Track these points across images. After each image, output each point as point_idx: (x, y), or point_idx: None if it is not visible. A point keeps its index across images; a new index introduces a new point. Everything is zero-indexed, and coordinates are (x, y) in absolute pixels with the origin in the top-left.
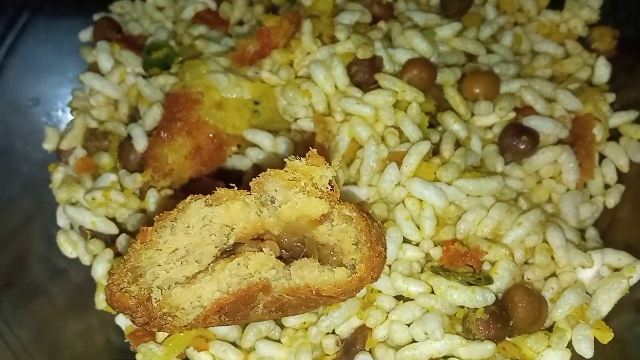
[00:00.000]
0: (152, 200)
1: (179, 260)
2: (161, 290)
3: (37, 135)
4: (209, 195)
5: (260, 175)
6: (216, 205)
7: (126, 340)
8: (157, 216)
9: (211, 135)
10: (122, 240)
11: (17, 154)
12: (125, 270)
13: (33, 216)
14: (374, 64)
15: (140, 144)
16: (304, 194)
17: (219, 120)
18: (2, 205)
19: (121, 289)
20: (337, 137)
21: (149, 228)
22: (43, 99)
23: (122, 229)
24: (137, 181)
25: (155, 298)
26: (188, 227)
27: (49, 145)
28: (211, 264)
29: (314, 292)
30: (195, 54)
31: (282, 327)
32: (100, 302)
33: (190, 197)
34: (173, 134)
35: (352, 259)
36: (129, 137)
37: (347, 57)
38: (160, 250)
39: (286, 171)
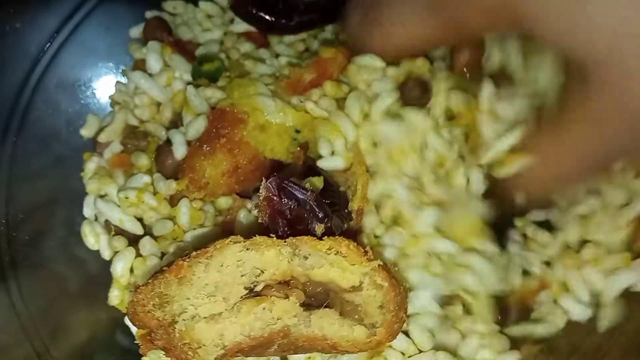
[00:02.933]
0: (184, 210)
1: (207, 297)
2: (185, 321)
3: (77, 117)
4: (248, 240)
5: (296, 238)
6: (252, 250)
7: (136, 342)
8: (194, 252)
9: (250, 157)
10: (145, 242)
11: (56, 133)
12: (152, 294)
13: (57, 198)
14: None
15: (180, 151)
16: (338, 268)
17: (260, 142)
18: (31, 176)
19: (146, 310)
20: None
21: (185, 264)
22: (92, 84)
23: (146, 231)
24: (172, 188)
25: (178, 329)
26: (222, 265)
27: (86, 132)
28: (237, 304)
29: (330, 344)
30: (242, 71)
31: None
32: (114, 298)
33: (230, 238)
34: (215, 149)
35: (375, 321)
36: (168, 142)
37: None
38: (191, 284)
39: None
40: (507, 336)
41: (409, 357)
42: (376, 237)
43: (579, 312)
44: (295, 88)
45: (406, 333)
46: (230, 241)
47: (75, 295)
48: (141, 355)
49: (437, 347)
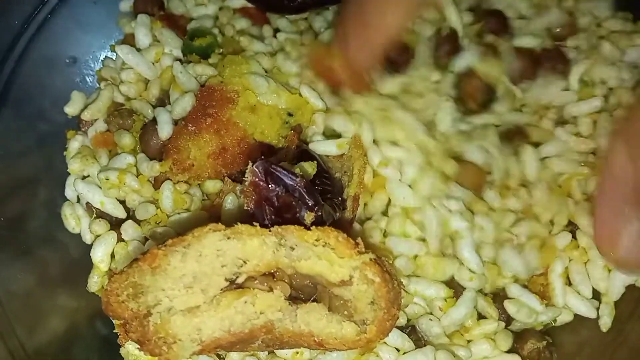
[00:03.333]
0: (166, 193)
1: (184, 288)
2: (160, 314)
3: (64, 95)
4: (229, 229)
5: (282, 227)
6: (234, 238)
7: (115, 331)
8: (170, 240)
9: (238, 139)
10: (127, 227)
11: (40, 110)
12: (126, 283)
13: (40, 178)
14: None
15: (165, 131)
16: (326, 260)
17: (249, 124)
18: (14, 156)
19: (120, 300)
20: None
21: (159, 252)
22: (81, 59)
23: (129, 215)
24: (155, 170)
25: (153, 322)
26: (200, 255)
27: (70, 110)
28: (216, 296)
29: (317, 341)
30: (236, 48)
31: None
32: (94, 284)
33: (209, 226)
34: (201, 129)
35: (365, 318)
36: (153, 121)
37: None
38: (167, 274)
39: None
40: (511, 332)
41: (404, 353)
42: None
43: (584, 309)
44: (319, 68)
45: (400, 328)
46: (210, 229)
47: (54, 281)
48: (120, 346)
49: (438, 347)
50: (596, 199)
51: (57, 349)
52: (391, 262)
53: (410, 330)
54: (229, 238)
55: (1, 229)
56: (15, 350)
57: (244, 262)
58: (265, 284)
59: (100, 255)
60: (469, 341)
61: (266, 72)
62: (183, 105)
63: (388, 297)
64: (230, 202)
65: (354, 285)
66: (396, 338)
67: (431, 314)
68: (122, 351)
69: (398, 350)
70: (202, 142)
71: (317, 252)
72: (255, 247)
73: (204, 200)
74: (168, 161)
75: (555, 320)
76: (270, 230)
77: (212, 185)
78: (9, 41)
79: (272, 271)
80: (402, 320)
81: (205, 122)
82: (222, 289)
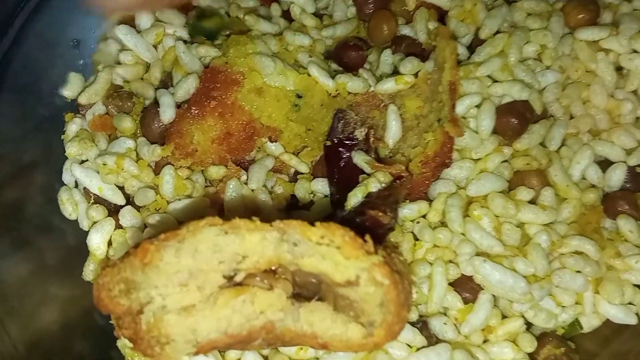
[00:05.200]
0: (167, 178)
1: (178, 286)
2: (153, 312)
3: (64, 78)
4: (227, 223)
5: (285, 222)
6: (232, 234)
7: (111, 322)
8: (163, 235)
9: (244, 123)
10: (126, 213)
11: (39, 93)
12: (118, 278)
13: (38, 163)
14: None
15: (167, 114)
16: (331, 261)
17: (256, 107)
18: (11, 141)
19: (112, 295)
20: None
21: (151, 247)
22: (82, 42)
23: (128, 200)
24: (156, 154)
25: (145, 320)
26: (196, 250)
27: (68, 93)
28: (213, 294)
29: (320, 342)
30: (242, 29)
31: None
32: (89, 272)
33: (205, 220)
34: (205, 113)
35: (373, 319)
36: (155, 103)
37: None
38: (160, 270)
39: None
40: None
41: (417, 349)
42: None
43: (621, 315)
44: None
45: (412, 323)
46: (206, 223)
47: (50, 269)
48: (117, 338)
49: (454, 345)
50: None
51: (52, 340)
52: (402, 258)
53: (422, 325)
54: (226, 233)
55: None
56: (7, 340)
57: (243, 258)
58: (266, 281)
59: (96, 242)
60: (485, 341)
61: (273, 53)
62: (186, 87)
63: (398, 300)
64: (232, 188)
65: (361, 287)
66: (407, 333)
67: (445, 314)
68: (119, 343)
69: (410, 346)
70: (206, 126)
71: (321, 252)
72: (255, 243)
73: (207, 186)
74: (170, 146)
75: (581, 326)
76: (271, 225)
77: (216, 172)
78: (4, 22)
79: (274, 268)
80: (413, 316)
81: (209, 105)
82: (219, 287)
